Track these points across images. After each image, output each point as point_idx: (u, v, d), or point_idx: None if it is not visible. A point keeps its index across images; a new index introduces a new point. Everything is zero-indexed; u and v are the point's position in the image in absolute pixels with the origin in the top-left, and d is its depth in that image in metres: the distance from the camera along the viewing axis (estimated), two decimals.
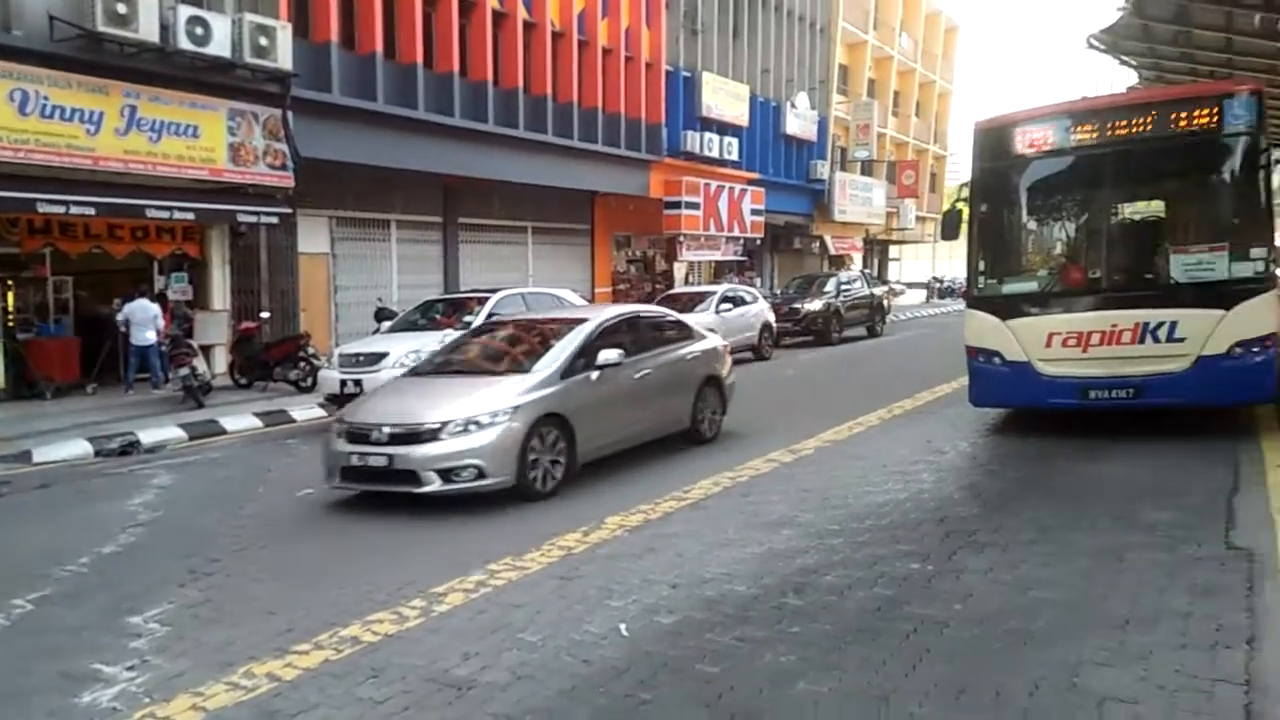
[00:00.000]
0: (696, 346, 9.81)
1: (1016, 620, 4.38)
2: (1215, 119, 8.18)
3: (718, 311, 18.06)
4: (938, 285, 49.25)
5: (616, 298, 25.24)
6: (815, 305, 22.58)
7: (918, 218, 44.72)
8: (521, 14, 20.43)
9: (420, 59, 18.32)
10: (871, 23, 40.30)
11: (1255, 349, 8.07)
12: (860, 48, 39.75)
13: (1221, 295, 8.11)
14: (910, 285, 51.85)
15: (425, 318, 13.31)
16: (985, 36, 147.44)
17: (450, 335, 10.93)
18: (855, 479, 7.62)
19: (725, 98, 27.62)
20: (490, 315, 12.18)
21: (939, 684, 3.75)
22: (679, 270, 27.27)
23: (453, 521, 6.81)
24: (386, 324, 13.81)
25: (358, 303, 18.26)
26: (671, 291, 21.49)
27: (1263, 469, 7.30)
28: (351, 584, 5.43)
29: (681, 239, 25.94)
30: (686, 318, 16.99)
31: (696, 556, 5.66)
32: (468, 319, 12.17)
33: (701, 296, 19.00)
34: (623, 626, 4.58)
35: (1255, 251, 8.14)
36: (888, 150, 43.01)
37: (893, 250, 51.08)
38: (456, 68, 19.00)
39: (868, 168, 39.30)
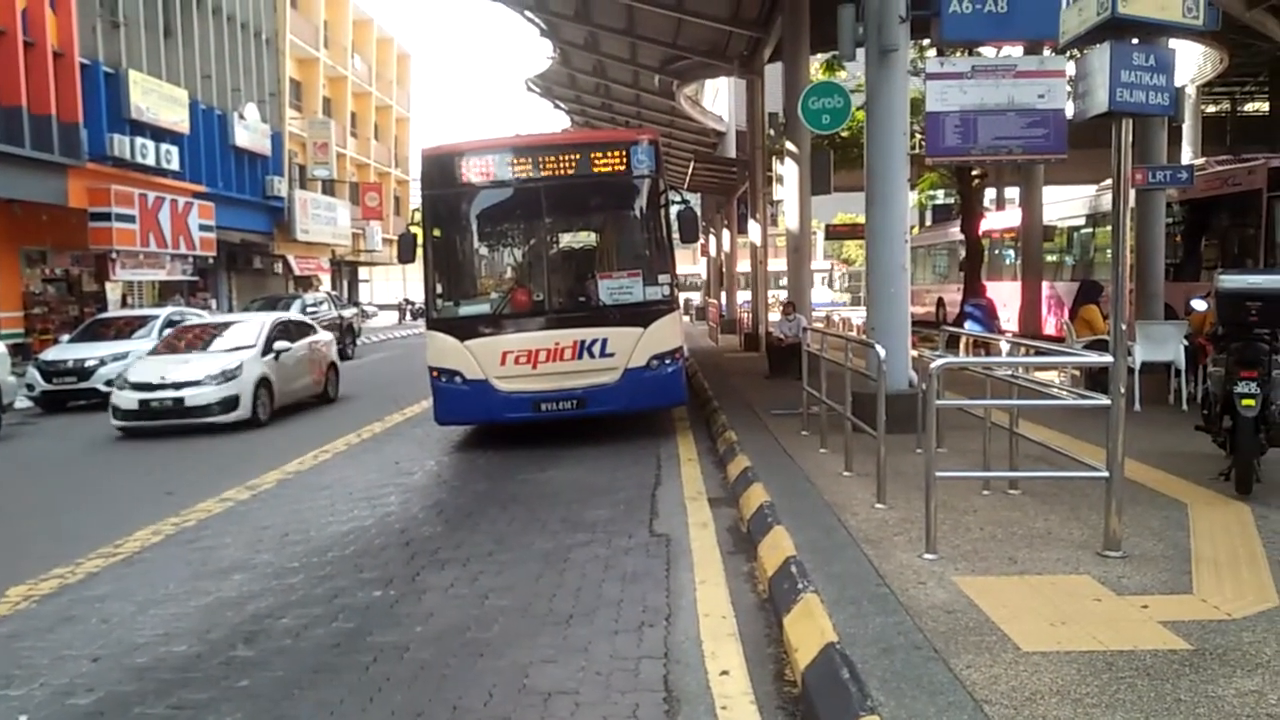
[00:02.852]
0: None
1: (474, 631, 4.50)
2: (624, 162, 9.41)
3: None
4: (409, 307, 50.00)
5: (32, 323, 21.28)
6: None
7: (384, 240, 44.96)
8: None
9: None
10: (322, 40, 39.66)
11: (668, 361, 9.47)
12: (312, 64, 38.87)
13: (639, 315, 9.37)
14: (382, 307, 52.03)
15: None
16: (441, 68, 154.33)
17: None
18: (320, 510, 7.30)
19: (159, 101, 24.83)
20: None
21: (397, 711, 3.68)
22: (113, 291, 23.83)
23: None
24: None
25: None
26: (103, 316, 18.66)
27: (678, 463, 8.55)
28: None
29: (114, 255, 22.72)
30: (123, 345, 15.34)
31: (127, 619, 4.91)
32: None
33: (142, 321, 16.85)
34: (23, 718, 3.78)
35: (662, 278, 9.57)
36: (349, 171, 42.63)
37: (362, 272, 50.79)
38: None
39: (330, 188, 38.43)
